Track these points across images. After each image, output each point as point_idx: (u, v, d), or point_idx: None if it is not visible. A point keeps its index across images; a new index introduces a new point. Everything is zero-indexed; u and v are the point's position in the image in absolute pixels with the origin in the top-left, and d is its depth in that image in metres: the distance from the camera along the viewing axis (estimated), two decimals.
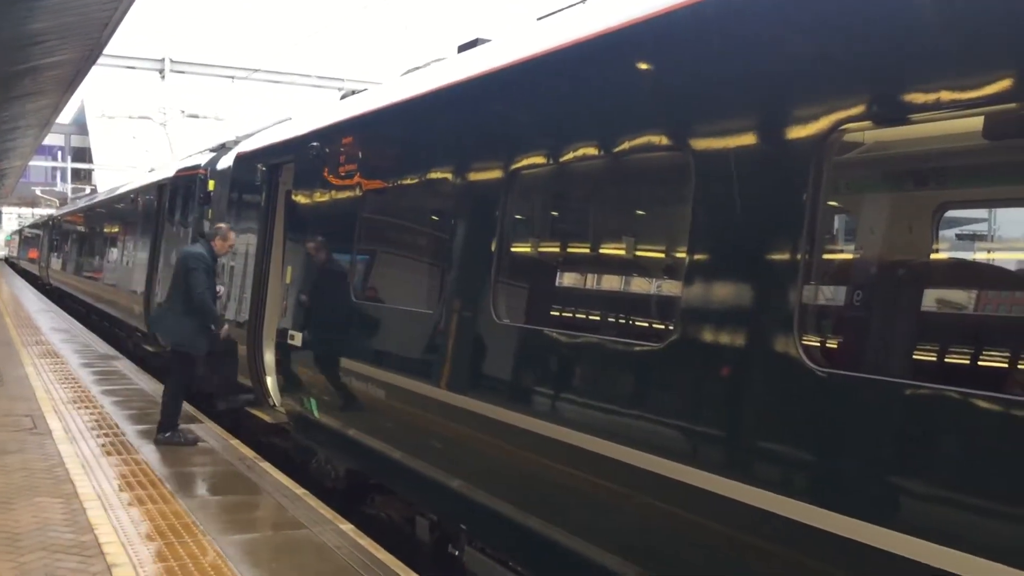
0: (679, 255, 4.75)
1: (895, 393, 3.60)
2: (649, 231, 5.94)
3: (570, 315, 6.28)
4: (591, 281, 6.41)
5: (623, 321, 6.02)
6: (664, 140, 4.91)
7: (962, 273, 5.00)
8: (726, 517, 4.22)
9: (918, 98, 3.61)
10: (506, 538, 6.16)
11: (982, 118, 3.58)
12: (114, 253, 23.76)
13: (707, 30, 4.73)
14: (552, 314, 6.28)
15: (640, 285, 6.04)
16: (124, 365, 17.52)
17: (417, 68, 9.09)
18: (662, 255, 5.72)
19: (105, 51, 16.62)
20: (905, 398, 3.56)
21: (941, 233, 5.45)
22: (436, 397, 6.68)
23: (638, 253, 5.93)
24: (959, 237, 6.34)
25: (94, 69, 18.38)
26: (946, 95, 3.50)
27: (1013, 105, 3.37)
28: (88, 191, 58.25)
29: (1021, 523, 3.14)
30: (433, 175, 7.21)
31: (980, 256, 6.26)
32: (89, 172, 75.27)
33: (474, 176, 6.65)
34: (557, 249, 6.72)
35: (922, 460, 3.47)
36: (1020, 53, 3.32)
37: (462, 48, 8.31)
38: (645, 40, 5.13)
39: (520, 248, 6.51)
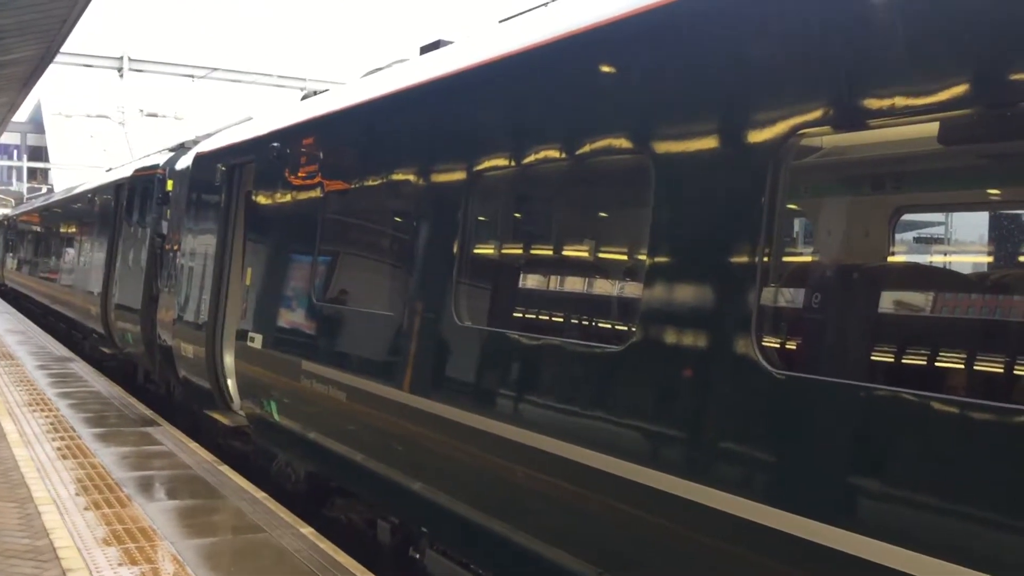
0: (640, 258, 4.77)
1: (852, 395, 3.64)
2: (610, 234, 5.96)
3: (532, 317, 6.28)
4: (552, 283, 6.42)
5: (584, 323, 6.03)
6: (625, 143, 4.93)
7: (918, 276, 5.07)
8: (686, 519, 4.24)
9: (875, 104, 3.65)
10: (468, 541, 6.15)
11: (937, 124, 3.63)
12: (71, 254, 23.45)
13: (667, 34, 4.75)
14: (514, 316, 6.28)
15: (601, 287, 6.05)
16: (80, 367, 17.31)
17: (379, 69, 9.06)
18: (623, 258, 5.74)
19: (63, 49, 16.40)
20: (862, 400, 3.59)
21: (898, 236, 5.52)
22: (397, 400, 6.66)
23: (599, 256, 5.94)
24: (916, 240, 6.42)
25: (51, 67, 18.13)
26: (902, 101, 3.54)
27: (967, 111, 3.43)
28: (44, 190, 57.45)
29: (979, 523, 3.18)
30: (395, 177, 7.18)
31: (936, 259, 6.35)
32: (45, 171, 74.28)
33: (436, 178, 6.63)
34: (519, 251, 6.71)
35: (879, 462, 3.51)
36: (974, 60, 3.37)
37: (424, 49, 8.30)
38: (606, 44, 5.14)
39: (482, 250, 6.50)
